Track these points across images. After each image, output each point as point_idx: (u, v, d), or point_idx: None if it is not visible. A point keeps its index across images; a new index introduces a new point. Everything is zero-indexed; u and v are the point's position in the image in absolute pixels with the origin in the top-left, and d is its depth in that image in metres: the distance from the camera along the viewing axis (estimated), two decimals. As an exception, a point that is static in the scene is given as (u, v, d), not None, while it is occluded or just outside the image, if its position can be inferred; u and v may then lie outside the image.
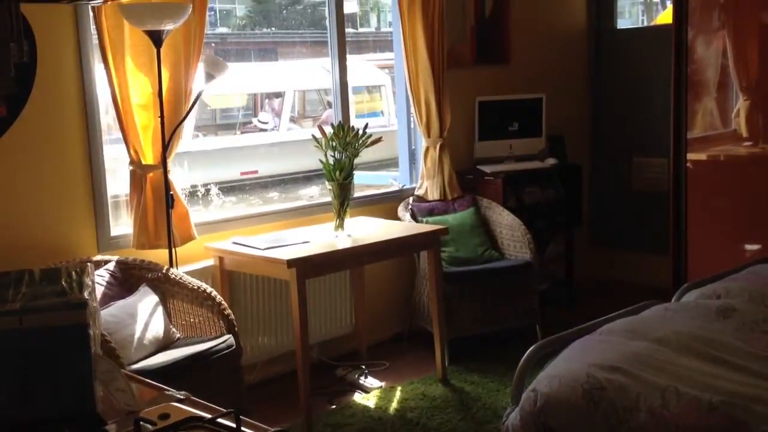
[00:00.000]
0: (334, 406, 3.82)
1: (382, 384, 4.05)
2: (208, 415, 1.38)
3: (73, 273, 1.53)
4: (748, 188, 4.41)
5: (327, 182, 3.86)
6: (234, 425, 1.33)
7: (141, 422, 1.32)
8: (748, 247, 4.41)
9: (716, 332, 2.58)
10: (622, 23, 6.01)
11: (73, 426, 1.35)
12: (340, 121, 4.20)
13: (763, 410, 2.08)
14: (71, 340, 1.37)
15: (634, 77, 5.56)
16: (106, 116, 3.68)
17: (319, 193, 5.06)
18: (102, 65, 3.52)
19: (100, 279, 3.39)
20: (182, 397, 1.51)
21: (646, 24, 6.53)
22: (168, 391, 1.56)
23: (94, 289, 1.54)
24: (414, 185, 4.86)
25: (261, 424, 1.36)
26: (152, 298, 3.40)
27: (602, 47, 5.76)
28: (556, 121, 5.27)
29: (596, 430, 2.26)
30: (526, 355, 2.58)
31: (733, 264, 3.51)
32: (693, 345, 2.47)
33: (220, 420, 1.36)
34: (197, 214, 4.03)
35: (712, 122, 4.60)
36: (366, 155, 3.96)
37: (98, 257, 3.53)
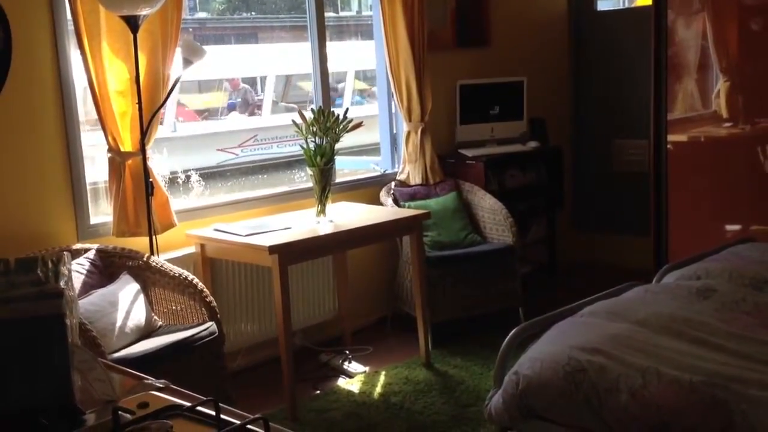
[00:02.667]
0: (318, 392, 3.83)
1: (366, 369, 4.06)
2: (188, 404, 1.37)
3: (50, 262, 1.50)
4: (729, 169, 4.44)
5: (308, 168, 3.84)
6: (214, 413, 1.32)
7: (119, 412, 1.31)
8: (729, 227, 4.45)
9: (696, 313, 2.60)
10: (603, 5, 6.01)
11: (51, 417, 1.34)
12: (320, 106, 4.18)
13: (742, 389, 2.10)
14: (48, 331, 1.35)
15: (614, 59, 5.57)
16: (84, 104, 3.64)
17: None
18: (78, 51, 3.47)
19: (80, 267, 3.36)
20: (161, 385, 1.50)
21: (628, 5, 6.53)
22: (147, 379, 1.55)
23: (70, 278, 1.52)
24: (396, 170, 4.85)
25: (240, 411, 1.35)
26: (133, 286, 3.37)
27: (583, 29, 5.76)
28: (537, 104, 5.27)
29: (578, 412, 2.28)
30: (508, 338, 2.59)
31: (713, 245, 3.54)
32: (673, 326, 2.49)
33: (199, 408, 1.35)
34: (178, 201, 4.01)
35: (692, 104, 4.62)
36: (349, 140, 3.94)
37: (78, 245, 3.50)
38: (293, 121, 3.82)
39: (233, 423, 1.28)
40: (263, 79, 7.21)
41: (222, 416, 1.31)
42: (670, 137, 4.55)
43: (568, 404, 2.29)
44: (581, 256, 5.67)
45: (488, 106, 5.10)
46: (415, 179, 4.69)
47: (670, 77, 4.53)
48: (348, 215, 4.03)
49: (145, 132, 3.50)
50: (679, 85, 4.57)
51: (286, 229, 3.71)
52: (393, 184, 4.68)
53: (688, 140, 4.60)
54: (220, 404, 1.33)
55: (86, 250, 3.46)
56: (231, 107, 7.16)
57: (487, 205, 4.61)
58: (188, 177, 4.32)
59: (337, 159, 3.95)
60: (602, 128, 5.68)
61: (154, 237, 3.57)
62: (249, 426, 1.26)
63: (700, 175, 4.52)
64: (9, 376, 1.32)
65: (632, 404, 2.17)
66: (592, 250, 5.70)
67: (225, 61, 6.63)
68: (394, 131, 4.94)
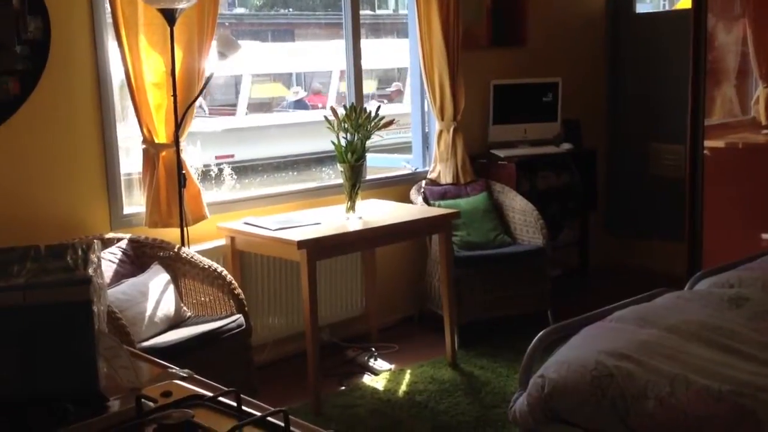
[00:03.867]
0: (343, 388, 3.83)
1: (392, 366, 4.06)
2: (210, 394, 1.38)
3: (79, 250, 1.52)
4: (766, 176, 4.36)
5: (339, 164, 3.84)
6: (235, 404, 1.33)
7: (143, 399, 1.32)
8: (765, 236, 4.37)
9: (728, 321, 2.56)
10: (642, 7, 5.94)
11: (76, 402, 1.35)
12: (352, 103, 4.18)
13: (772, 400, 2.06)
14: (75, 317, 1.36)
15: (652, 62, 5.49)
16: (121, 95, 3.68)
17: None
18: (115, 43, 3.51)
19: (112, 256, 3.40)
20: (185, 375, 1.51)
21: (668, 8, 6.45)
22: (172, 368, 1.56)
23: (99, 266, 1.54)
24: (427, 168, 4.84)
25: (262, 404, 1.35)
26: (164, 277, 3.41)
27: (620, 31, 5.69)
28: (572, 106, 5.22)
29: (603, 418, 2.25)
30: (535, 340, 2.57)
31: (748, 253, 3.47)
32: (704, 333, 2.45)
33: (221, 399, 1.36)
34: (210, 194, 4.04)
35: (730, 109, 4.55)
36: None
37: (111, 235, 3.54)
38: (325, 117, 3.82)
39: (254, 414, 1.29)
40: (402, 70, 7.28)
41: (243, 407, 1.32)
42: (707, 143, 4.48)
43: (594, 409, 2.26)
44: (613, 260, 5.61)
45: (522, 106, 5.07)
46: (446, 178, 4.68)
47: (708, 82, 4.46)
48: (377, 212, 4.03)
49: (179, 124, 3.53)
50: (718, 90, 4.50)
51: (315, 224, 3.72)
52: (423, 182, 4.67)
53: (726, 146, 4.53)
54: (242, 396, 1.33)
55: (118, 240, 3.50)
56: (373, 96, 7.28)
57: (518, 207, 4.58)
58: (220, 170, 4.35)
59: (369, 156, 3.95)
60: (638, 132, 5.61)
61: (185, 228, 3.60)
62: (269, 418, 1.27)
63: (737, 182, 4.45)
64: (36, 361, 1.34)
65: (659, 411, 2.14)
66: (625, 255, 5.63)
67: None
68: (426, 130, 4.93)
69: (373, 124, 3.75)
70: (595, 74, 5.70)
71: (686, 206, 4.58)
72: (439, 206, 4.43)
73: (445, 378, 3.87)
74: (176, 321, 3.33)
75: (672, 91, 5.27)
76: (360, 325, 4.44)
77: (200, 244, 3.77)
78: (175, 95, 3.49)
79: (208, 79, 3.65)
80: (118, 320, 2.89)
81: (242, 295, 3.37)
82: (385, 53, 6.93)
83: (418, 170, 4.86)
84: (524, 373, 2.49)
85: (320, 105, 7.33)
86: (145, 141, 3.61)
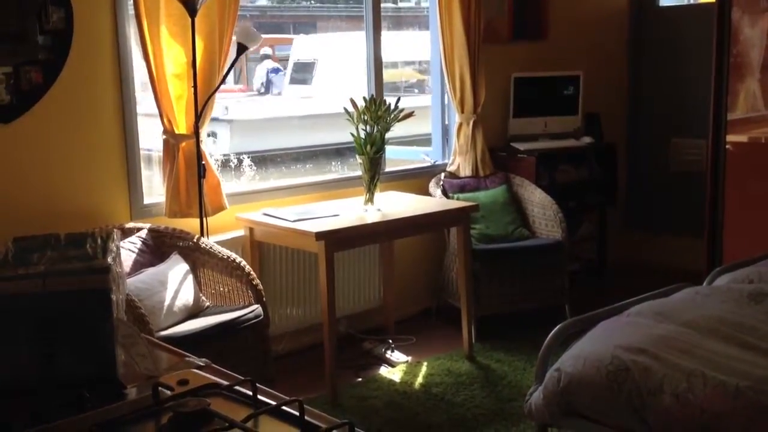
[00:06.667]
0: (359, 379, 3.85)
1: (408, 359, 4.07)
2: (226, 383, 1.39)
3: (99, 238, 1.54)
4: (789, 172, 4.31)
5: (357, 156, 3.85)
6: (251, 393, 1.34)
7: (159, 387, 1.33)
8: (786, 232, 4.32)
9: (746, 317, 2.54)
10: (666, 0, 5.88)
11: (94, 389, 1.37)
12: (372, 95, 4.18)
13: (790, 397, 2.04)
14: (93, 305, 1.38)
15: (675, 56, 5.44)
16: (142, 86, 3.70)
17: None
18: (137, 34, 3.53)
19: (132, 246, 3.43)
20: (202, 364, 1.52)
21: (692, 1, 6.38)
22: (189, 357, 1.57)
23: (118, 255, 1.56)
24: (446, 161, 4.84)
25: (277, 393, 1.36)
26: (183, 267, 3.43)
27: (643, 25, 5.64)
28: (593, 100, 5.19)
29: (619, 412, 2.25)
30: (551, 334, 2.57)
31: (768, 249, 3.45)
32: (722, 329, 2.44)
33: (237, 388, 1.37)
34: (229, 185, 4.06)
35: (754, 104, 4.50)
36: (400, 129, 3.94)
37: (131, 224, 3.57)
38: (345, 109, 3.83)
39: (269, 404, 1.30)
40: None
41: (259, 397, 1.33)
42: (730, 137, 4.43)
43: (610, 403, 2.26)
44: (632, 255, 5.58)
45: (543, 99, 5.04)
46: (465, 171, 4.67)
47: (732, 76, 4.41)
48: (396, 205, 4.03)
49: (199, 115, 3.55)
50: (741, 84, 4.45)
51: (333, 216, 3.73)
52: (443, 175, 4.67)
53: (748, 141, 4.48)
54: (258, 385, 1.34)
55: (138, 229, 3.53)
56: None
57: (537, 200, 4.57)
58: (240, 161, 4.37)
59: (388, 148, 3.95)
60: (659, 126, 5.56)
61: (204, 219, 3.63)
62: (285, 408, 1.27)
63: (759, 178, 4.40)
64: (54, 348, 1.36)
65: (675, 406, 2.14)
66: (644, 250, 5.60)
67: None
68: (446, 122, 4.92)
69: (392, 116, 3.75)
70: (617, 68, 5.66)
71: (706, 201, 4.54)
72: (458, 199, 4.42)
73: (461, 371, 3.87)
74: (195, 311, 3.36)
75: (694, 86, 5.22)
76: (377, 317, 4.45)
77: (219, 234, 3.79)
78: (195, 86, 3.50)
79: (228, 70, 3.66)
80: (137, 309, 2.91)
81: (260, 286, 3.39)
82: (409, 45, 6.91)
83: (437, 163, 4.86)
84: (541, 366, 2.49)
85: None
86: (165, 131, 3.64)
